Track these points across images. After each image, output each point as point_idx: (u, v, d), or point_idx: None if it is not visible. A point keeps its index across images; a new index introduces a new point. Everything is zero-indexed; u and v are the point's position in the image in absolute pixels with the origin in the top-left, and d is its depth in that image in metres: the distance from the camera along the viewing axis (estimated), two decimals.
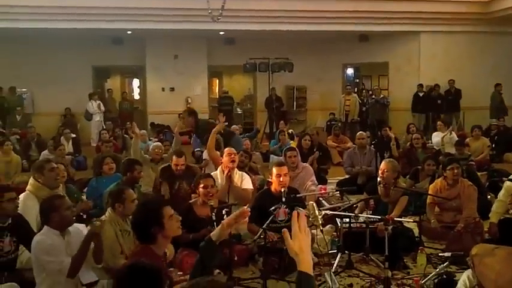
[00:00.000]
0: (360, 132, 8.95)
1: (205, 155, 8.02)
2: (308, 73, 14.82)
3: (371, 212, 5.07)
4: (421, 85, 13.76)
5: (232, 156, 5.73)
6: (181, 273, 3.96)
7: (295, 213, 2.00)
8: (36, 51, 13.45)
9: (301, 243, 1.92)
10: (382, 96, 12.71)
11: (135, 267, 2.23)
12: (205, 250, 2.46)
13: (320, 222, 3.90)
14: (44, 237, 3.61)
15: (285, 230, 1.98)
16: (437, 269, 4.10)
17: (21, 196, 4.75)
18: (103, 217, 4.25)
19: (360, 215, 5.14)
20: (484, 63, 13.95)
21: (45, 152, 9.28)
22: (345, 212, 4.75)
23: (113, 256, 4.05)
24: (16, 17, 11.55)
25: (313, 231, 4.80)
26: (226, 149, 5.93)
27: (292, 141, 10.47)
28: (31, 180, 4.93)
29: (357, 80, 17.92)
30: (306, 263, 1.91)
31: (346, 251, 4.67)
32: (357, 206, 5.50)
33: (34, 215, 4.55)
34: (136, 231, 3.08)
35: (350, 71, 17.40)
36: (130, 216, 4.24)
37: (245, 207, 2.61)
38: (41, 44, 13.35)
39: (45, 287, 3.60)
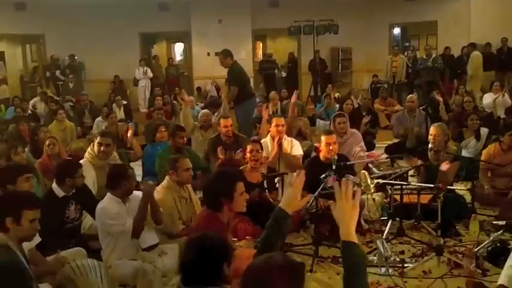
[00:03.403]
0: (410, 95, 8.73)
1: None
2: (353, 34, 14.43)
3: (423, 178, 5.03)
4: (473, 44, 13.10)
5: (280, 127, 5.79)
6: (235, 239, 4.09)
7: (342, 181, 1.99)
8: (86, 19, 13.67)
9: (342, 212, 1.94)
10: (434, 56, 12.24)
11: (205, 239, 2.28)
12: (279, 218, 2.37)
13: (372, 191, 3.95)
14: (107, 204, 3.83)
15: (331, 201, 2.01)
16: (491, 237, 4.05)
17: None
18: (162, 183, 4.43)
19: (411, 183, 5.10)
20: None
21: (99, 118, 9.55)
22: (397, 180, 4.68)
23: (172, 222, 4.23)
24: None
25: (363, 196, 4.83)
26: (274, 118, 5.95)
27: (338, 105, 10.38)
28: (89, 149, 5.31)
29: (407, 44, 17.36)
30: (344, 231, 1.93)
31: (397, 218, 4.65)
32: (407, 173, 5.45)
33: (90, 181, 4.89)
34: (206, 197, 3.21)
35: (397, 31, 16.89)
36: (188, 185, 4.45)
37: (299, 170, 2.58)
38: (90, 12, 13.56)
39: (109, 250, 3.82)
